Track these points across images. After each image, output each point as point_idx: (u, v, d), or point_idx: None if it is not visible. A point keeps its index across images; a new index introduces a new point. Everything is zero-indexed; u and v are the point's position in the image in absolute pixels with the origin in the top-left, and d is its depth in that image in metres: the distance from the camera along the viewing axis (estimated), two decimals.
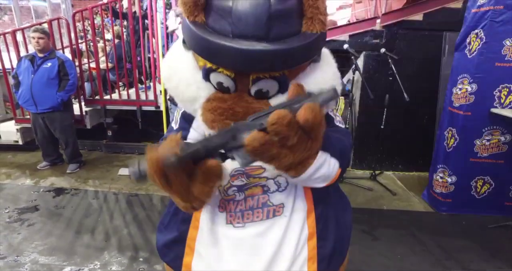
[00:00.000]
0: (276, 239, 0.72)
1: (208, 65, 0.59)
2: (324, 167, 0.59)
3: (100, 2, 3.76)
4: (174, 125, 0.80)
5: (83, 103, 3.76)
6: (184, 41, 0.65)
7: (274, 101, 0.62)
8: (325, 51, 0.71)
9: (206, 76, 0.62)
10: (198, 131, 0.75)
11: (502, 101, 2.39)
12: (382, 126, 3.10)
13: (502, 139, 2.46)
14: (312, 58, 0.63)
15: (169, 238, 0.82)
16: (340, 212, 0.83)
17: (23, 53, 3.44)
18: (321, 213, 0.76)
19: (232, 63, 0.56)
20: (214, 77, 0.61)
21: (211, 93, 0.63)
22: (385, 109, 3.05)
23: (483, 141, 2.48)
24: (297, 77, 0.63)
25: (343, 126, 0.77)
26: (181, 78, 0.65)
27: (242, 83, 0.61)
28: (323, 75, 0.66)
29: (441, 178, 2.67)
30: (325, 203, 0.77)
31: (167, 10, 3.41)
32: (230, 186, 0.74)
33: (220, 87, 0.62)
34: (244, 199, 0.73)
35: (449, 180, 2.61)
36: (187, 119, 0.77)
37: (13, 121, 3.83)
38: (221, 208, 0.75)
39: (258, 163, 0.70)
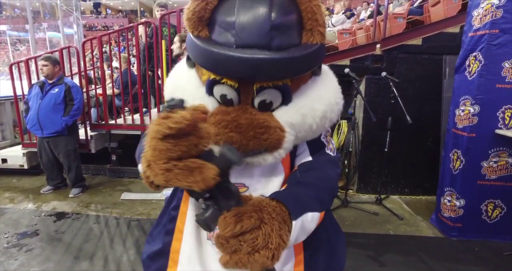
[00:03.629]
0: None
1: (212, 77, 0.60)
2: (305, 227, 0.59)
3: (109, 31, 3.93)
4: None
5: (88, 128, 3.83)
6: (188, 59, 0.68)
7: (278, 114, 0.63)
8: (325, 67, 0.72)
9: (210, 90, 0.63)
10: None
11: (506, 122, 2.36)
12: (386, 149, 3.07)
13: (510, 160, 2.40)
14: (312, 69, 0.64)
15: (153, 250, 0.81)
16: (334, 238, 0.79)
17: (35, 81, 3.56)
18: (310, 237, 0.72)
19: (236, 72, 0.57)
20: (218, 90, 0.62)
21: (215, 108, 0.63)
22: (389, 132, 3.03)
23: (490, 163, 2.42)
24: (299, 89, 0.64)
25: (332, 154, 0.75)
26: (185, 94, 0.65)
27: (245, 95, 0.61)
28: (325, 89, 0.67)
29: (449, 201, 2.59)
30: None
31: (171, 36, 3.54)
32: None
33: (223, 100, 0.63)
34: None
35: (458, 203, 2.52)
36: None
37: (20, 146, 3.89)
38: None
39: (241, 180, 0.68)
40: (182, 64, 0.72)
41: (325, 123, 0.67)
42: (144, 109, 3.84)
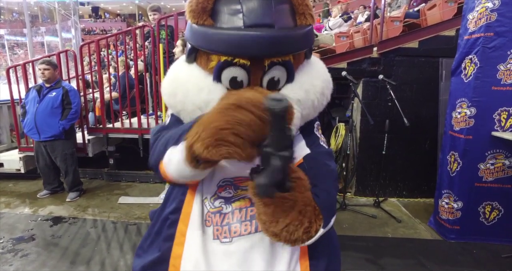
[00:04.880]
0: (266, 256, 0.70)
1: (223, 58, 0.63)
2: (326, 230, 0.66)
3: (106, 35, 3.94)
4: (166, 122, 0.80)
5: (86, 132, 3.82)
6: (188, 54, 0.70)
7: (285, 91, 0.68)
8: None
9: (218, 75, 0.66)
10: None
11: (502, 124, 2.37)
12: (383, 152, 3.08)
13: (507, 162, 2.41)
14: (309, 46, 0.71)
15: (149, 260, 0.78)
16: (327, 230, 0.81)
17: (33, 85, 3.55)
18: None
19: (250, 50, 0.61)
20: (228, 73, 0.65)
21: (224, 93, 0.66)
22: (386, 135, 3.04)
23: (487, 165, 2.43)
24: (298, 68, 0.70)
25: (326, 146, 0.78)
26: (190, 87, 0.68)
27: (255, 74, 0.65)
28: (317, 68, 0.75)
29: (447, 203, 2.59)
30: None
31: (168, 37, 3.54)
32: (217, 197, 0.73)
33: (233, 84, 0.66)
34: (231, 211, 0.72)
35: (455, 205, 2.53)
36: (178, 118, 0.77)
37: (17, 150, 3.88)
38: (208, 222, 0.73)
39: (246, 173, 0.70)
40: (179, 63, 0.74)
41: (323, 100, 0.73)
42: (150, 112, 3.84)
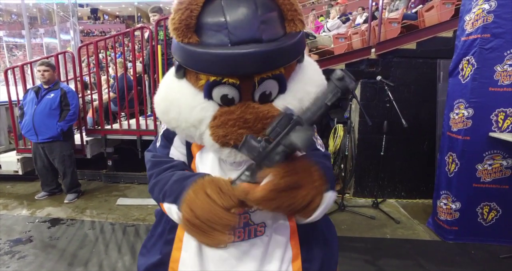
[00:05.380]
0: (259, 260, 0.71)
1: (212, 79, 0.61)
2: (328, 203, 0.65)
3: (105, 36, 3.94)
4: (157, 143, 0.81)
5: (84, 133, 3.81)
6: (177, 70, 0.68)
7: (277, 103, 0.66)
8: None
9: (209, 94, 0.64)
10: (179, 150, 0.77)
11: (500, 125, 2.38)
12: (382, 153, 3.08)
13: (504, 163, 2.41)
14: (301, 54, 0.68)
15: (151, 262, 0.80)
16: (326, 232, 0.81)
17: (31, 86, 3.55)
18: (305, 233, 0.75)
19: (238, 69, 0.59)
20: (218, 91, 0.63)
21: (216, 111, 0.64)
22: (384, 136, 3.04)
23: (485, 166, 2.43)
24: (290, 76, 0.68)
25: (323, 150, 0.79)
26: (182, 105, 0.66)
27: (246, 90, 0.63)
28: (311, 72, 0.72)
29: (445, 204, 2.59)
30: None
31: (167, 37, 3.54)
32: None
33: (224, 101, 0.64)
34: None
35: (453, 206, 2.53)
36: (167, 138, 0.78)
37: (14, 152, 3.87)
38: None
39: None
40: (169, 78, 0.72)
41: None
42: (149, 113, 3.84)
